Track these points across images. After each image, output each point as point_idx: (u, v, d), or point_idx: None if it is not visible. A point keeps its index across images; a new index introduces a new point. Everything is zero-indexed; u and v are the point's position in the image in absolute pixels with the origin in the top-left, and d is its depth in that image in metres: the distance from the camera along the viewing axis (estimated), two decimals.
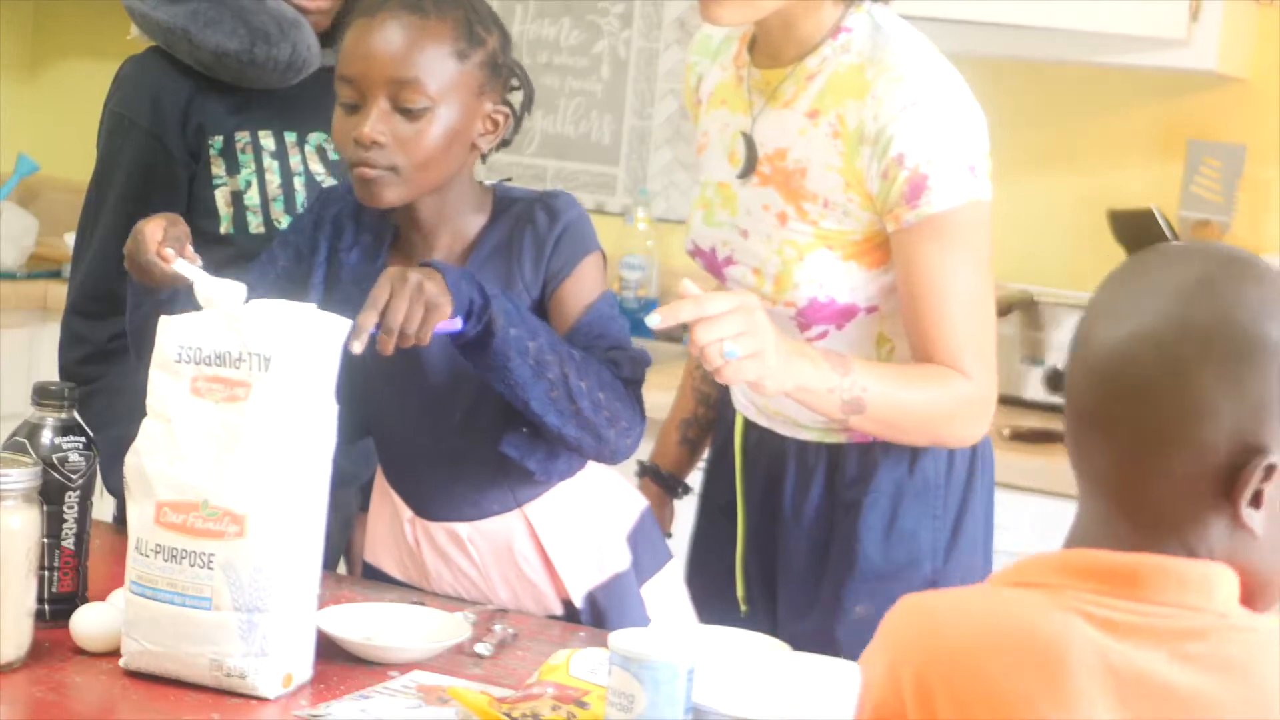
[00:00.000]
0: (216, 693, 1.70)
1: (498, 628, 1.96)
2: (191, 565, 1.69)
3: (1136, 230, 3.45)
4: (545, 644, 1.92)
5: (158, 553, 1.71)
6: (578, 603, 2.08)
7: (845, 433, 2.12)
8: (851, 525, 2.12)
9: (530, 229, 2.03)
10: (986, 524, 2.20)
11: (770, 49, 2.07)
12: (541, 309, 2.03)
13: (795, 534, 2.17)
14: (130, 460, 1.75)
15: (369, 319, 1.82)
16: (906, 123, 1.96)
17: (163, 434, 1.73)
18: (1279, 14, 3.49)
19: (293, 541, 1.71)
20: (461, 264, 2.02)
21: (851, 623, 2.08)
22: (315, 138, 2.39)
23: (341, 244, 2.09)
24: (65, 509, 1.84)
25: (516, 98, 2.08)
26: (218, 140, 2.31)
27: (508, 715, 1.59)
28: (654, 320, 1.80)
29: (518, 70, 2.06)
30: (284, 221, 2.34)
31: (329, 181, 2.38)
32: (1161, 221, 3.41)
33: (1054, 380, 3.43)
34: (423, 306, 1.84)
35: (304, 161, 2.37)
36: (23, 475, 1.73)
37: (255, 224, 2.33)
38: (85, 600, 1.86)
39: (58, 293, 4.08)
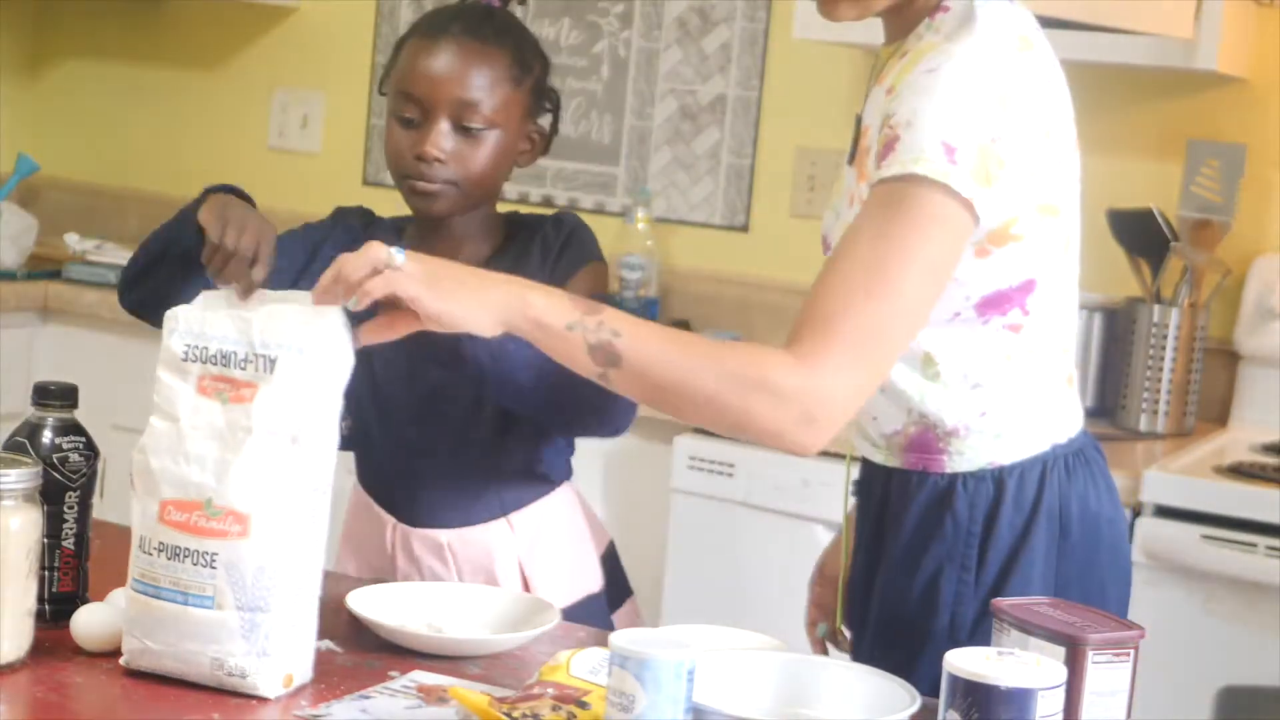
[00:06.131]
0: (217, 692, 1.70)
1: None
2: (194, 564, 1.69)
3: (1136, 230, 3.46)
4: (545, 644, 1.92)
5: (161, 550, 1.71)
6: None
7: (904, 455, 1.93)
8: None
9: (540, 241, 2.12)
10: (1056, 588, 1.89)
11: (889, 32, 1.93)
12: None
13: (856, 565, 2.04)
14: (136, 457, 1.75)
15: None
16: (913, 83, 1.77)
17: (169, 432, 1.73)
18: (1279, 14, 3.49)
19: (295, 542, 1.71)
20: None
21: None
22: None
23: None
24: (65, 509, 1.84)
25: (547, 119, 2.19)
26: None
27: (508, 715, 1.59)
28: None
29: (554, 95, 2.17)
30: None
31: None
32: (1161, 221, 3.41)
33: None
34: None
35: None
36: (23, 475, 1.73)
37: None
38: (85, 600, 1.86)
39: (58, 292, 4.08)
